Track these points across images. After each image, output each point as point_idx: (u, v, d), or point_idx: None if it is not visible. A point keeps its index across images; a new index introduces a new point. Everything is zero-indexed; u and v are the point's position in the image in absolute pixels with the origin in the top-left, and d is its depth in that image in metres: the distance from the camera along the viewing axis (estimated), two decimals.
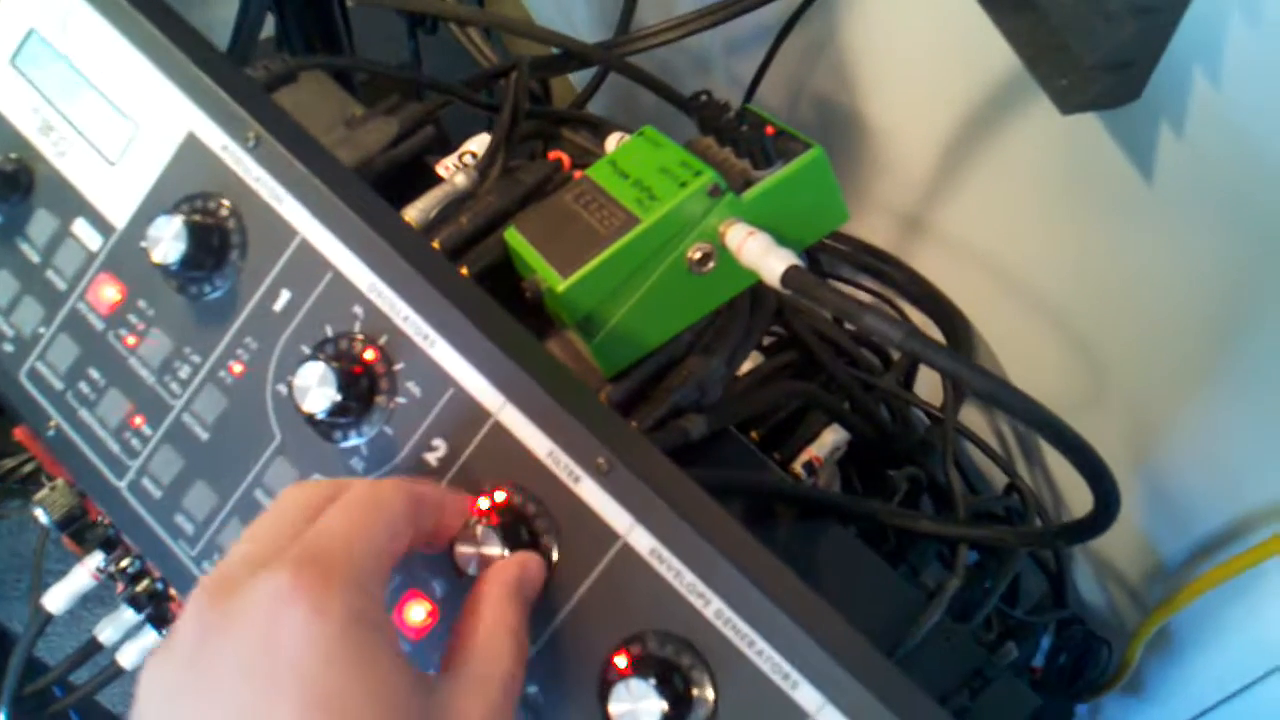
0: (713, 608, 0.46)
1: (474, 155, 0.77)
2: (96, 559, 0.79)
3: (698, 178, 0.60)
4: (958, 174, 0.92)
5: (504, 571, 0.48)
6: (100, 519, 0.75)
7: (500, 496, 0.50)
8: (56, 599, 0.80)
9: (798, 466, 0.78)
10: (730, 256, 0.61)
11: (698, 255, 0.61)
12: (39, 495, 0.78)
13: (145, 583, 0.73)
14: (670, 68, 1.09)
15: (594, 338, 0.63)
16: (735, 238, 0.60)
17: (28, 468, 1.04)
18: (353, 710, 0.38)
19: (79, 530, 0.79)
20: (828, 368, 0.81)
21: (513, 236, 0.65)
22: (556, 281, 0.61)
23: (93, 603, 0.80)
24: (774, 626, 0.46)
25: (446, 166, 0.77)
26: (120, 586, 0.80)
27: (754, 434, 0.79)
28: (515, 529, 0.49)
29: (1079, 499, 0.96)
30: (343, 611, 0.39)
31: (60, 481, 0.77)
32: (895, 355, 0.97)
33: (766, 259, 0.58)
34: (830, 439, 0.81)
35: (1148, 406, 0.84)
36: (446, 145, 0.80)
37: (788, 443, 0.81)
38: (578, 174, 0.71)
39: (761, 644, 0.46)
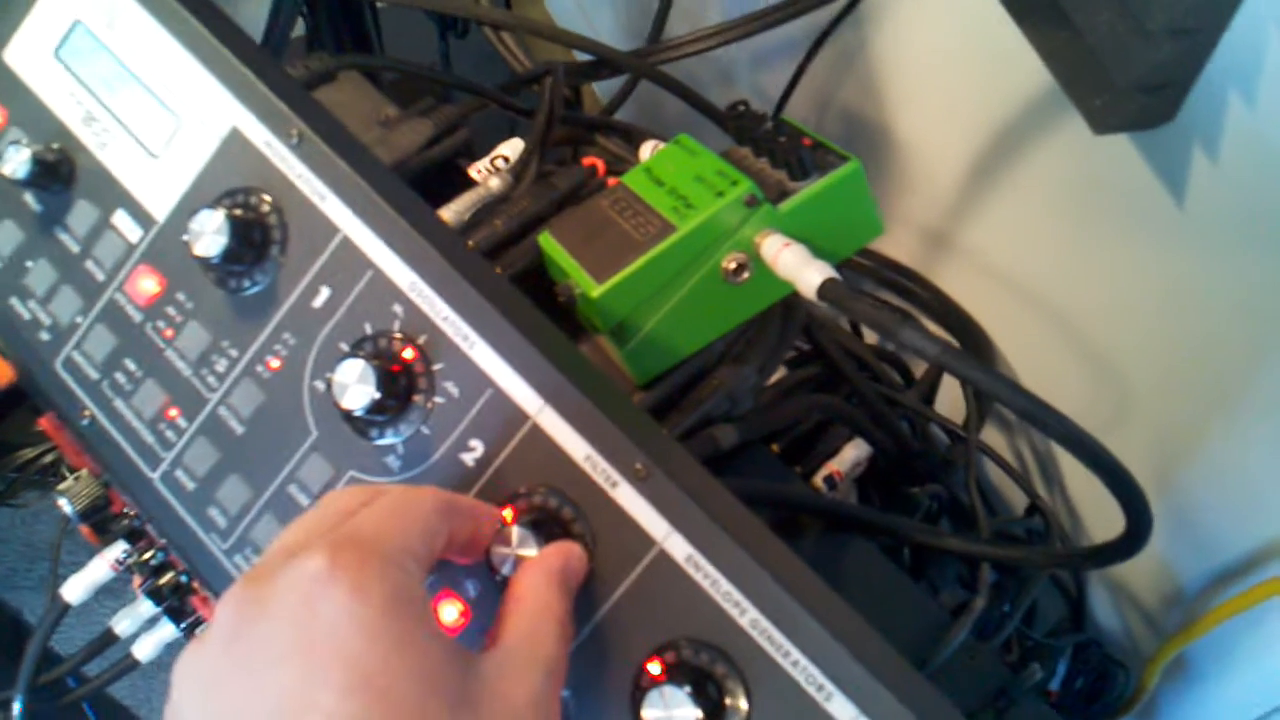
0: (748, 617, 0.46)
1: (506, 159, 0.78)
2: (116, 550, 0.79)
3: (735, 187, 0.60)
4: (985, 191, 0.92)
5: (548, 559, 0.48)
6: (125, 510, 0.75)
7: (537, 499, 0.50)
8: (74, 590, 0.80)
9: (818, 480, 0.78)
10: (765, 267, 0.61)
11: (732, 265, 0.61)
12: (63, 485, 0.78)
13: (169, 575, 0.72)
14: (696, 78, 1.09)
15: (626, 344, 0.63)
16: (771, 248, 0.60)
17: (48, 458, 1.04)
18: (395, 688, 0.37)
19: (100, 521, 0.79)
20: (852, 382, 0.81)
21: (547, 241, 0.65)
22: (591, 287, 0.61)
23: (104, 594, 0.80)
24: (809, 637, 0.46)
25: (479, 170, 0.77)
26: (139, 579, 0.80)
27: (774, 446, 0.79)
28: (551, 532, 0.49)
29: (1098, 521, 0.96)
30: (382, 589, 0.39)
31: (84, 472, 0.77)
32: (918, 372, 0.97)
33: (803, 270, 0.58)
34: (851, 454, 0.81)
35: (1171, 430, 0.84)
36: (474, 149, 0.80)
37: (809, 456, 0.81)
38: (612, 180, 0.72)
39: (796, 654, 0.46)
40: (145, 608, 0.81)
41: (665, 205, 0.62)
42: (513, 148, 0.78)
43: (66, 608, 0.81)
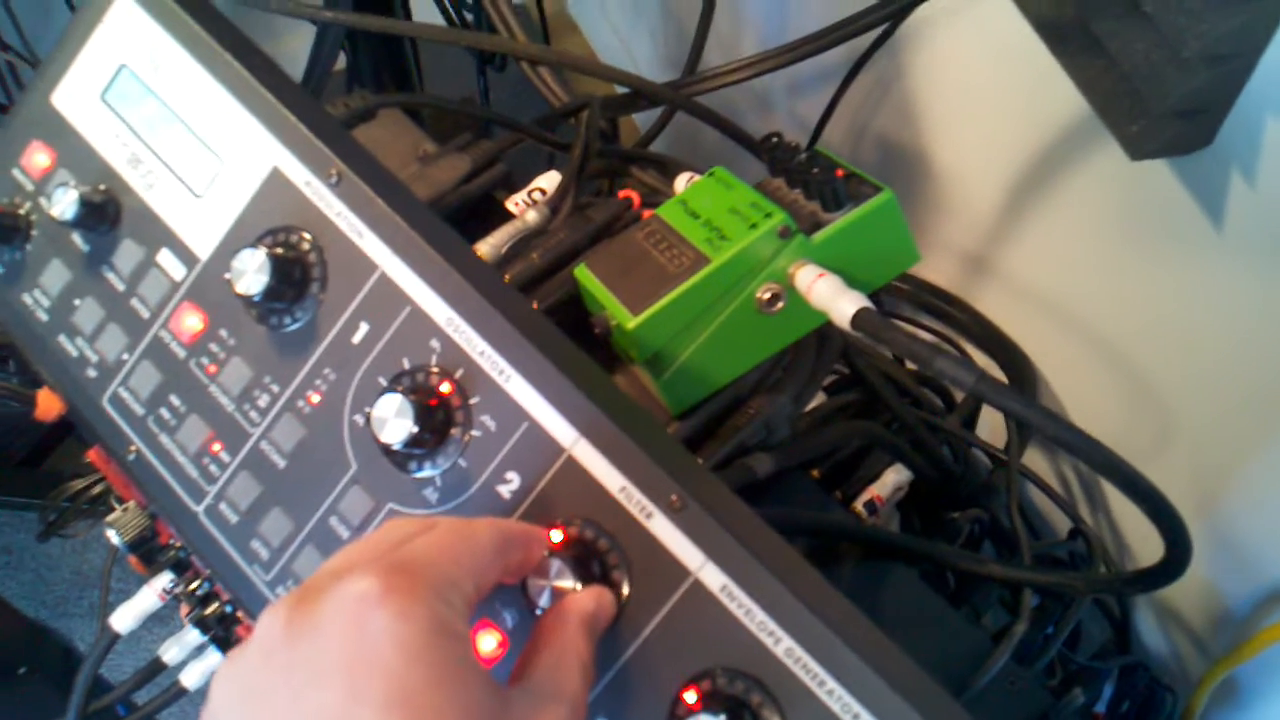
0: (783, 646, 0.47)
1: (543, 192, 0.78)
2: (163, 580, 0.80)
3: (768, 219, 0.61)
4: (1022, 216, 0.92)
5: (580, 603, 0.48)
6: (172, 542, 0.77)
7: (573, 531, 0.51)
8: (124, 619, 0.81)
9: (859, 505, 0.78)
10: (799, 297, 0.61)
11: (767, 295, 0.62)
12: (111, 517, 0.79)
13: (214, 606, 0.73)
14: (732, 106, 1.10)
15: (662, 375, 0.64)
16: (805, 279, 0.60)
17: (96, 489, 1.05)
18: (433, 712, 0.38)
19: (148, 552, 0.80)
20: (892, 408, 0.81)
21: (583, 274, 0.66)
22: (626, 318, 0.61)
23: (151, 621, 0.81)
24: (845, 666, 0.46)
25: (516, 203, 0.78)
26: (186, 608, 0.81)
27: (815, 472, 0.79)
28: (587, 563, 0.50)
29: (1143, 543, 0.95)
30: (428, 618, 0.39)
31: (132, 504, 0.79)
32: (959, 396, 0.97)
33: (837, 301, 0.58)
34: (892, 479, 0.81)
35: (1213, 452, 0.83)
36: (512, 182, 0.81)
37: (849, 481, 0.81)
38: (647, 213, 0.72)
39: (832, 683, 0.46)
40: (192, 636, 0.82)
41: (699, 237, 0.63)
42: (550, 180, 0.79)
43: (116, 637, 0.82)
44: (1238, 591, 0.85)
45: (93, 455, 0.73)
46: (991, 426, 1.00)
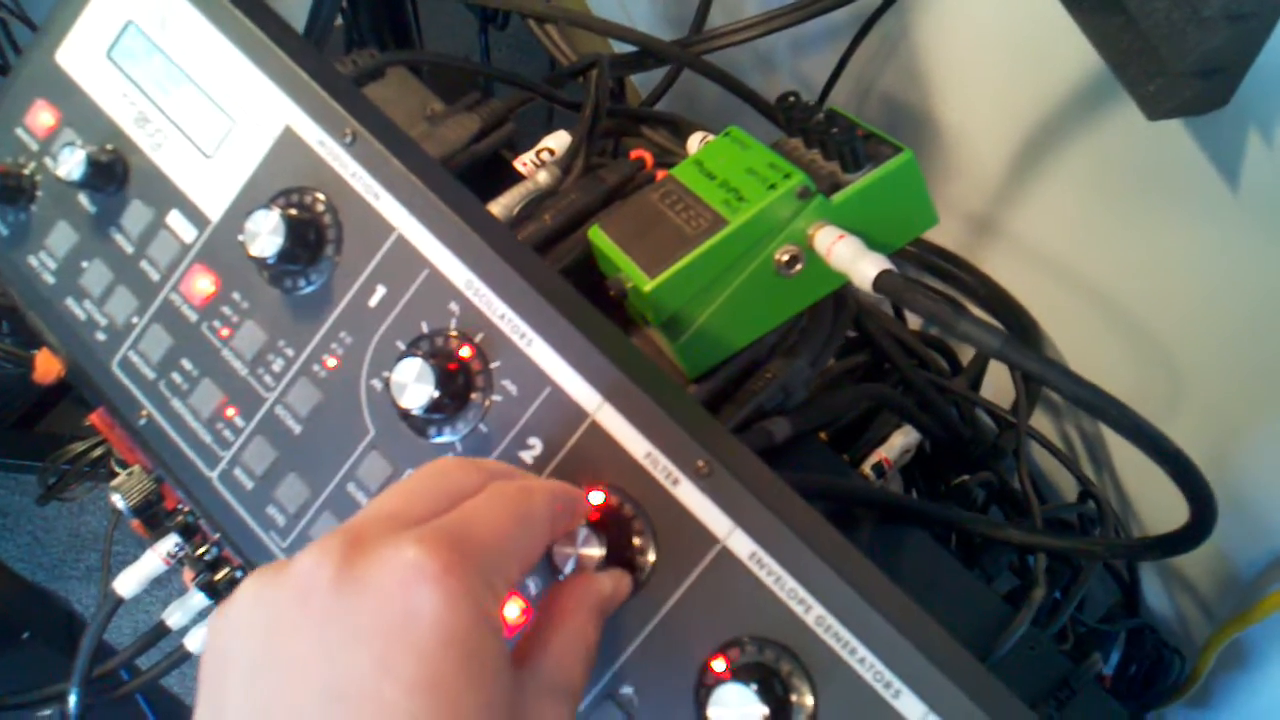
0: (814, 613, 0.46)
1: (552, 152, 0.77)
2: (167, 544, 0.80)
3: (787, 180, 0.60)
4: (1032, 176, 0.92)
5: (598, 587, 0.47)
6: (179, 506, 0.76)
7: (599, 498, 0.50)
8: (127, 584, 0.81)
9: (867, 468, 0.78)
10: (818, 259, 0.61)
11: (785, 257, 0.61)
12: (116, 481, 0.78)
13: (224, 571, 0.73)
14: (736, 64, 1.08)
15: (679, 338, 0.63)
16: (824, 241, 0.60)
17: (96, 452, 1.04)
18: (457, 699, 0.37)
19: (152, 516, 0.79)
20: (901, 370, 0.81)
21: (597, 235, 0.65)
22: (643, 281, 0.61)
23: (152, 584, 0.81)
24: (876, 633, 0.45)
25: (525, 163, 0.77)
26: (192, 573, 0.80)
27: (822, 435, 0.79)
28: (614, 530, 0.49)
29: (1148, 503, 0.95)
30: (473, 609, 0.38)
31: (137, 468, 0.78)
32: (965, 358, 0.97)
33: (858, 263, 0.58)
34: (900, 441, 0.81)
35: (1225, 415, 0.83)
36: (517, 143, 0.80)
37: (857, 444, 0.80)
38: (660, 173, 0.71)
39: (864, 651, 0.45)
40: (197, 600, 0.82)
41: (716, 198, 0.62)
42: (558, 140, 0.78)
43: (120, 601, 0.82)
44: (1246, 555, 0.85)
45: (95, 419, 0.72)
46: (996, 388, 0.99)
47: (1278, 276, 0.73)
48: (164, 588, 0.81)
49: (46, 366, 0.79)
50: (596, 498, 0.50)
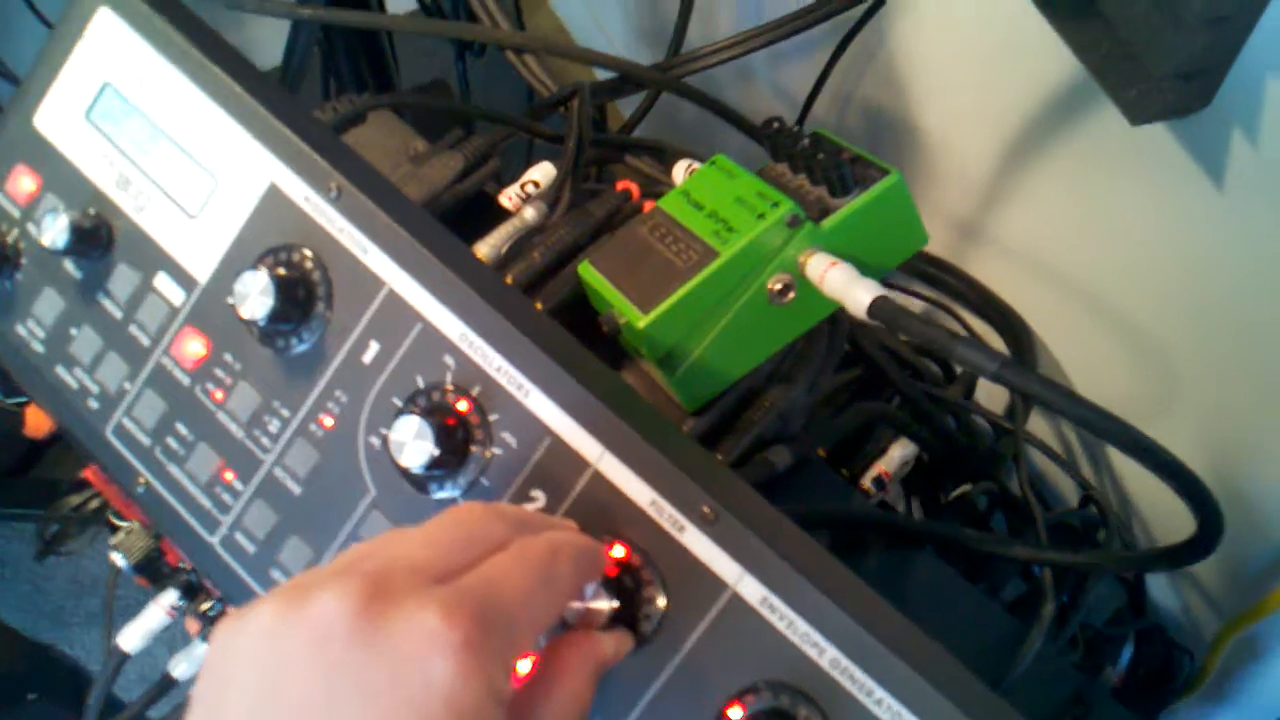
0: (828, 656, 0.46)
1: (536, 185, 0.77)
2: (170, 597, 0.80)
3: (776, 209, 0.60)
4: (1017, 181, 0.91)
5: (599, 648, 0.47)
6: (181, 565, 0.76)
7: (620, 553, 0.50)
8: (131, 638, 0.81)
9: (867, 482, 0.77)
10: (810, 286, 0.60)
11: (778, 286, 0.61)
12: (115, 539, 0.78)
13: None
14: (715, 79, 1.08)
15: (675, 372, 0.63)
16: (816, 268, 0.59)
17: (93, 503, 1.04)
18: None
19: (154, 571, 0.79)
20: (897, 385, 0.80)
21: (587, 271, 0.65)
22: (637, 318, 0.60)
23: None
24: (891, 673, 0.45)
25: (510, 197, 0.77)
26: (197, 625, 0.80)
27: (821, 450, 0.79)
28: (621, 580, 0.49)
29: (1149, 505, 0.95)
30: (485, 687, 0.38)
31: (135, 524, 0.77)
32: (959, 367, 0.96)
33: (851, 290, 0.57)
34: (898, 453, 0.80)
35: (1223, 411, 0.83)
36: (501, 176, 0.79)
37: (855, 458, 0.80)
38: (648, 205, 0.71)
39: (880, 692, 0.45)
40: (202, 651, 0.81)
41: (706, 230, 0.62)
42: (542, 171, 0.77)
43: (126, 657, 0.81)
44: (1252, 550, 0.85)
45: (89, 474, 0.72)
46: (990, 392, 0.99)
47: (1267, 272, 0.73)
48: (168, 630, 0.81)
49: (37, 421, 0.79)
50: (617, 552, 0.50)
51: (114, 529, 0.90)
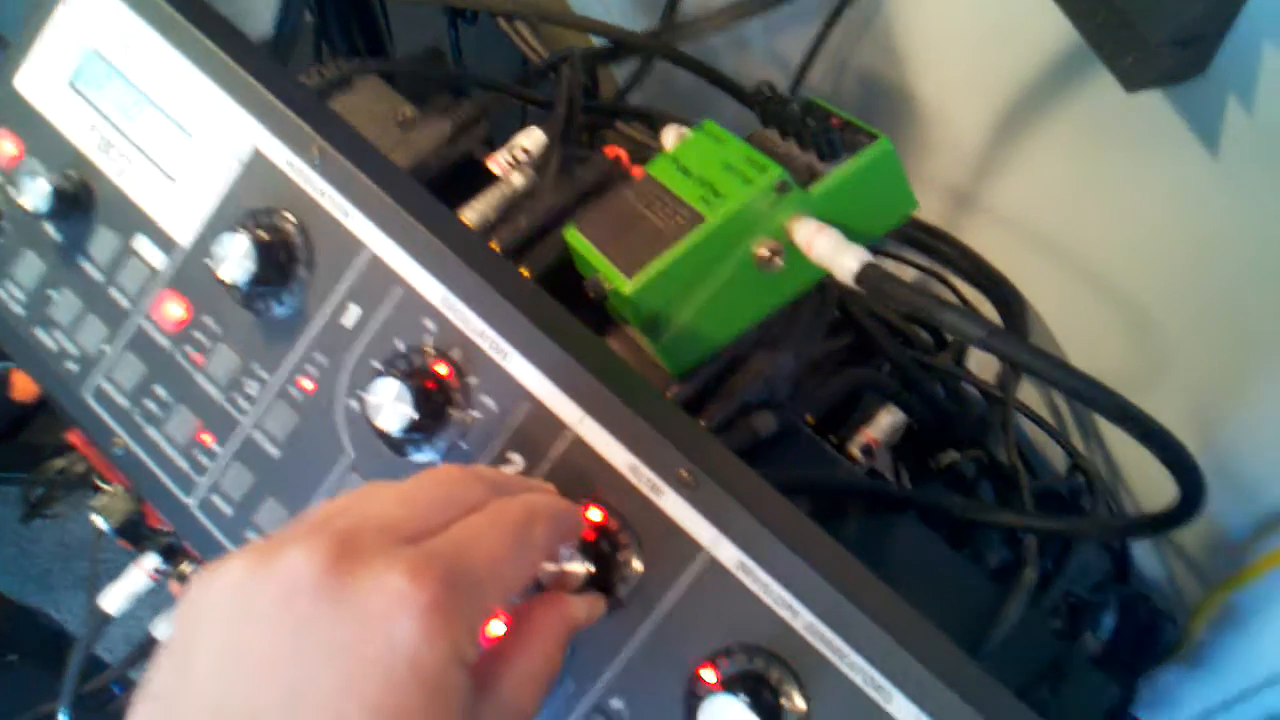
0: (802, 620, 0.46)
1: (525, 151, 0.76)
2: (152, 559, 0.80)
3: (763, 174, 0.59)
4: (1011, 149, 0.91)
5: (570, 611, 0.47)
6: (161, 527, 0.75)
7: (597, 515, 0.50)
8: (114, 600, 0.80)
9: (855, 450, 0.77)
10: (798, 253, 0.60)
11: (765, 253, 0.60)
12: (97, 503, 0.78)
13: None
14: (709, 47, 1.07)
15: (660, 338, 0.62)
16: (804, 234, 0.59)
17: (79, 467, 1.03)
18: None
19: (136, 535, 0.79)
20: (886, 351, 0.80)
21: (573, 236, 0.64)
22: (623, 283, 0.60)
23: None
24: (865, 637, 0.45)
25: (499, 162, 0.76)
26: (179, 586, 0.80)
27: (809, 418, 0.78)
28: (597, 543, 0.49)
29: (1138, 472, 0.95)
30: (450, 652, 0.38)
31: (118, 488, 0.77)
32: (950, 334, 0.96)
33: (838, 257, 0.57)
34: (887, 421, 0.80)
35: (1210, 379, 0.83)
36: (491, 141, 0.79)
37: (844, 426, 0.80)
38: (636, 170, 0.71)
39: (854, 656, 0.45)
40: None
41: (693, 195, 0.61)
42: (531, 137, 0.77)
43: (107, 619, 0.81)
44: (1235, 517, 0.85)
45: (73, 438, 0.72)
46: (980, 359, 0.99)
47: (1259, 240, 0.72)
48: (154, 594, 0.81)
49: (25, 385, 0.78)
50: (594, 516, 0.50)
51: (98, 492, 0.90)
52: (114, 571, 0.80)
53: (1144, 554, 0.98)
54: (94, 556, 0.93)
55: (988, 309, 0.97)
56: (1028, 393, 1.03)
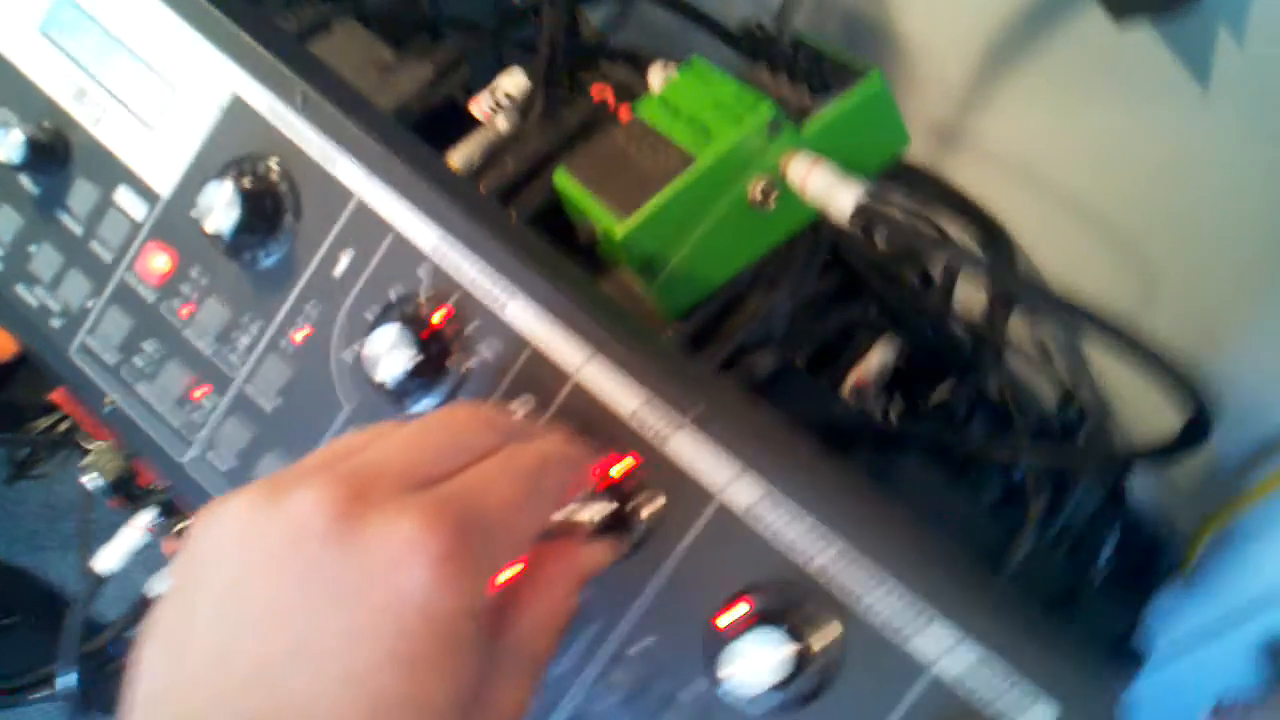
0: (832, 550, 0.45)
1: (508, 94, 0.75)
2: (145, 516, 0.79)
3: (755, 112, 0.58)
4: (997, 84, 0.90)
5: (583, 558, 0.46)
6: (154, 485, 0.75)
7: (620, 467, 0.49)
8: (108, 560, 0.80)
9: (846, 390, 0.77)
10: (791, 191, 0.59)
11: (759, 191, 0.59)
12: (86, 461, 0.77)
13: None
14: None
15: (655, 280, 0.61)
16: (798, 171, 0.58)
17: (63, 425, 1.02)
18: (425, 680, 0.36)
19: (127, 491, 0.78)
20: (876, 290, 0.79)
21: (563, 180, 0.63)
22: (615, 225, 0.59)
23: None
24: (897, 564, 0.44)
25: (480, 106, 0.75)
26: (173, 545, 0.79)
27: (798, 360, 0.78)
28: (608, 489, 0.48)
29: (1125, 402, 0.95)
30: (460, 595, 0.37)
31: (105, 444, 0.76)
32: (936, 270, 0.96)
33: (834, 192, 0.56)
34: (876, 360, 0.79)
35: (1203, 309, 0.82)
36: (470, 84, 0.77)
37: (833, 366, 0.79)
38: (623, 111, 0.69)
39: (886, 584, 0.44)
40: None
41: (684, 135, 0.60)
42: (513, 79, 0.75)
43: (101, 580, 0.81)
44: (1231, 442, 0.85)
45: (57, 396, 0.71)
46: (964, 298, 0.98)
47: (1251, 172, 0.72)
48: (142, 552, 0.80)
49: (3, 343, 0.77)
50: (606, 463, 0.49)
51: (84, 452, 0.89)
52: (103, 531, 0.79)
53: (1140, 483, 0.98)
54: (83, 516, 0.92)
55: (973, 246, 0.97)
56: (1015, 328, 1.03)
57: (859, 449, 0.66)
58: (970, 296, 0.97)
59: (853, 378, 0.77)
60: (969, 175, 0.98)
